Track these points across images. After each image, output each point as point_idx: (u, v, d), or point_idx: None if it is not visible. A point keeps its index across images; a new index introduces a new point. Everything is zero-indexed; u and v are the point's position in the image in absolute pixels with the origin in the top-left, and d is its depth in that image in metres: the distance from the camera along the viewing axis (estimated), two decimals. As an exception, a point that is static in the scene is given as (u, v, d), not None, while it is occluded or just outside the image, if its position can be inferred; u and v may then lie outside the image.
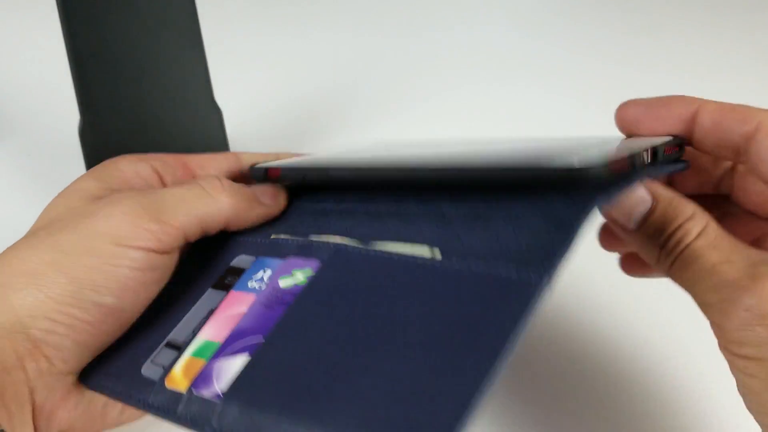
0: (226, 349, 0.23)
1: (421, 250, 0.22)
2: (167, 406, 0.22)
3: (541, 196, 0.21)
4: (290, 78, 0.60)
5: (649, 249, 0.23)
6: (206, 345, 0.23)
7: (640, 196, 0.23)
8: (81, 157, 0.37)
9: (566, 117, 0.55)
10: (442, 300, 0.20)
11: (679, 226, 0.22)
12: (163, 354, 0.24)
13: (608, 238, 0.30)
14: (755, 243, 0.25)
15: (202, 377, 0.22)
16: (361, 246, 0.23)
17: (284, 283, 0.24)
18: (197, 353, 0.23)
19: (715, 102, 0.24)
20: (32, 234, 0.25)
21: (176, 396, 0.22)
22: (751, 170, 0.24)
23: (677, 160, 0.25)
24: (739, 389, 0.22)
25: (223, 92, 0.42)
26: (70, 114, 0.37)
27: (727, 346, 0.22)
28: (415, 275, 0.21)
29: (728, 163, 0.27)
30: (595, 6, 0.78)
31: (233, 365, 0.22)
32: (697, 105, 0.24)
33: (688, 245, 0.22)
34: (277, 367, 0.21)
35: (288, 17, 0.74)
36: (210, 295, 0.26)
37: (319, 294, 0.23)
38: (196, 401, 0.21)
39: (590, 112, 0.55)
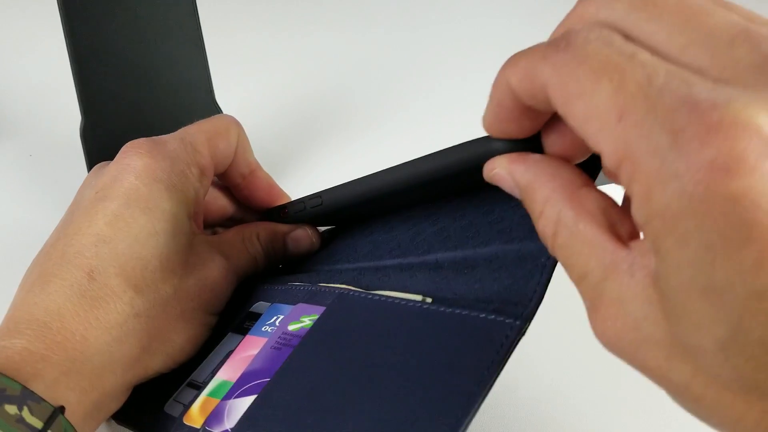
0: (237, 389, 0.25)
1: (415, 297, 0.23)
2: None
3: (516, 238, 0.22)
4: (292, 78, 0.60)
5: None
6: (221, 385, 0.25)
7: (507, 182, 0.20)
8: (83, 157, 0.37)
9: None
10: (425, 341, 0.21)
11: (537, 224, 0.18)
12: (184, 393, 0.26)
13: None
14: None
15: (215, 415, 0.24)
16: (362, 291, 0.25)
17: (293, 327, 0.26)
18: (213, 393, 0.25)
19: (514, 67, 0.17)
20: None
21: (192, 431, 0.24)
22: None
23: None
24: None
25: (224, 93, 0.42)
26: (72, 115, 0.37)
27: None
28: (405, 317, 0.23)
29: None
30: None
31: (242, 404, 0.24)
32: (506, 83, 0.18)
33: (552, 247, 0.18)
34: (279, 406, 0.22)
35: (289, 17, 0.74)
36: (230, 338, 0.28)
37: (321, 336, 0.24)
38: None
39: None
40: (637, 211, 0.14)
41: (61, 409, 0.21)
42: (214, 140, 0.30)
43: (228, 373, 0.26)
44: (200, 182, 0.29)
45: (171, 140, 0.29)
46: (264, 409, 0.23)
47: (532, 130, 0.19)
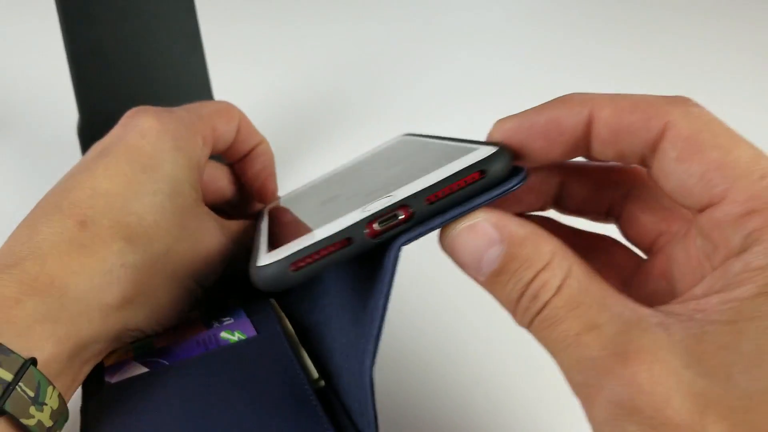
0: (146, 356, 0.25)
1: (313, 373, 0.24)
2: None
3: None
4: (290, 77, 0.60)
5: (505, 302, 0.18)
6: (146, 345, 0.26)
7: (486, 236, 0.18)
8: (80, 155, 0.37)
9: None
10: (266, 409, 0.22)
11: (534, 277, 0.17)
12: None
13: None
14: (633, 273, 0.22)
15: (119, 366, 0.25)
16: (288, 341, 0.25)
17: (223, 335, 0.26)
18: (137, 348, 0.26)
19: (611, 100, 0.18)
20: None
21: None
22: (655, 182, 0.19)
23: (500, 181, 0.18)
24: None
25: (223, 91, 0.42)
26: (69, 112, 0.37)
27: None
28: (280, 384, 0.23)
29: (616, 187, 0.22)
30: (604, 1, 0.78)
31: (136, 371, 0.24)
32: (588, 110, 0.18)
33: (546, 303, 0.17)
34: (144, 388, 0.23)
35: (288, 16, 0.74)
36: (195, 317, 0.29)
37: (225, 356, 0.25)
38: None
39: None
40: (755, 257, 0.16)
41: (33, 361, 0.21)
42: (215, 116, 0.30)
43: (161, 341, 0.26)
44: (202, 150, 0.29)
45: (176, 109, 0.29)
46: (139, 381, 0.24)
47: (556, 158, 0.19)
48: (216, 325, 0.27)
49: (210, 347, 0.25)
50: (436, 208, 0.18)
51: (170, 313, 0.27)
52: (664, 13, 0.76)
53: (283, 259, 0.18)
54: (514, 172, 0.18)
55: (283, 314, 0.28)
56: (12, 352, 0.20)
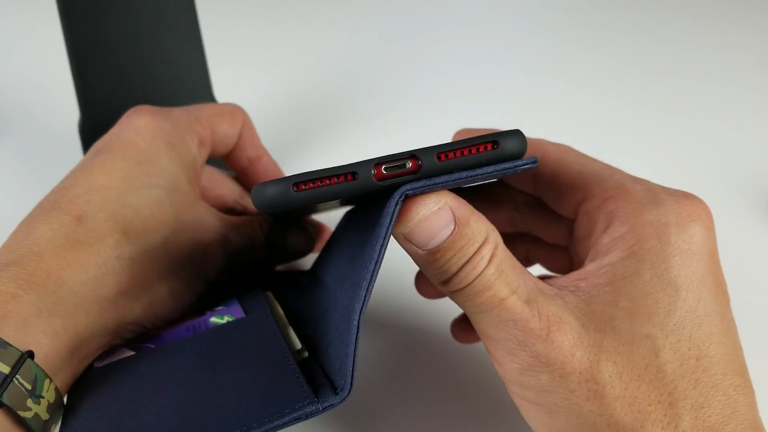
0: (137, 342, 0.25)
1: (296, 343, 0.24)
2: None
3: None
4: (290, 76, 0.60)
5: (436, 271, 0.20)
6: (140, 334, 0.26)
7: (445, 218, 0.19)
8: (81, 153, 0.37)
9: (561, 116, 0.55)
10: (255, 375, 0.22)
11: (476, 252, 0.19)
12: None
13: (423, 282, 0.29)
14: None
15: (108, 352, 0.25)
16: (272, 318, 0.25)
17: (213, 319, 0.26)
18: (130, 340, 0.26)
19: (555, 156, 0.24)
20: None
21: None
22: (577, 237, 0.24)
23: (503, 159, 0.19)
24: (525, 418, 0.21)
25: (223, 89, 0.42)
26: (70, 110, 0.37)
27: (509, 385, 0.21)
28: (262, 348, 0.23)
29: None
30: (594, 6, 0.77)
31: (123, 354, 0.24)
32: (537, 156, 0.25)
33: (480, 274, 0.19)
34: (130, 369, 0.23)
35: (288, 15, 0.74)
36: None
37: (209, 334, 0.25)
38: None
39: (587, 113, 0.55)
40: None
41: (30, 354, 0.21)
42: (216, 118, 0.31)
43: (155, 331, 0.26)
44: (198, 151, 0.29)
45: (174, 109, 0.30)
46: (122, 363, 0.24)
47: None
48: (207, 312, 0.27)
49: (199, 331, 0.25)
50: (444, 166, 0.19)
51: (170, 307, 0.27)
52: (663, 17, 0.76)
53: (288, 178, 0.18)
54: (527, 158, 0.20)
55: (276, 303, 0.27)
56: (9, 345, 0.20)
